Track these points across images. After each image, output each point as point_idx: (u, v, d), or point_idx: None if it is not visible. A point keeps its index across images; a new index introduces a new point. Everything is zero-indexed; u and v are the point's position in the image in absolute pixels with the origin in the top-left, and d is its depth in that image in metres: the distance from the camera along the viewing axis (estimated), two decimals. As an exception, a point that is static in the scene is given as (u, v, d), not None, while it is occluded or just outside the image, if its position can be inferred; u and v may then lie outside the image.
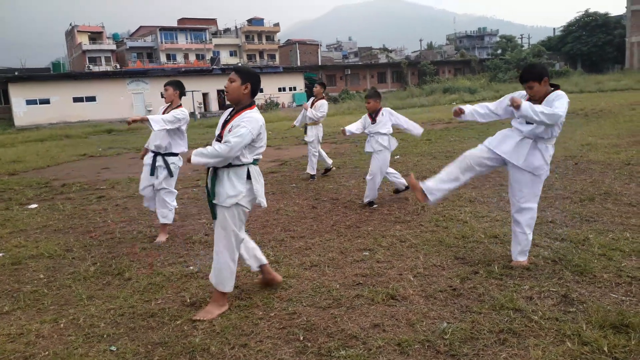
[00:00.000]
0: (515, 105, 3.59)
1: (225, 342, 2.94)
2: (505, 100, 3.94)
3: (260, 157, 3.42)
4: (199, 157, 3.20)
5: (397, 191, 6.78)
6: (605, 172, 7.35)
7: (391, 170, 6.49)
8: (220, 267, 3.35)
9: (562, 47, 67.85)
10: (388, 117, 6.27)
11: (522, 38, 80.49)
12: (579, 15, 67.68)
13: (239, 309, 3.40)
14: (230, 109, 3.45)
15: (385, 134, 6.24)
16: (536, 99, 3.74)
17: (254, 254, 3.64)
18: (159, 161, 5.27)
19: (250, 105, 3.37)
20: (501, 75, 56.04)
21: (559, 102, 3.60)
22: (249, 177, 3.31)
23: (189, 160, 3.24)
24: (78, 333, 3.18)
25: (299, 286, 3.74)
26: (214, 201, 3.33)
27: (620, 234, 4.50)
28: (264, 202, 3.39)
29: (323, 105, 8.43)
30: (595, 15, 65.81)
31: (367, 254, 4.42)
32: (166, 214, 5.29)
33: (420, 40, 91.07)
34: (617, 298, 3.24)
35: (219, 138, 3.32)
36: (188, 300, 3.60)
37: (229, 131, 3.25)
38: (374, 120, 6.26)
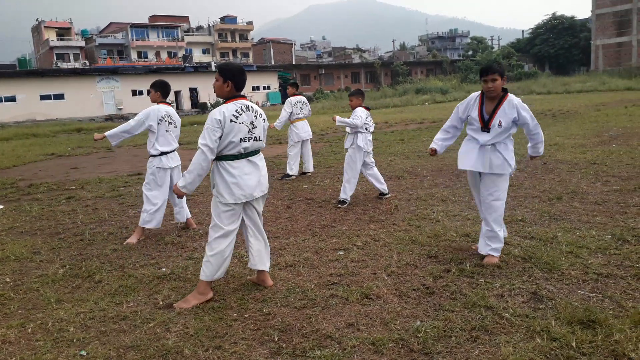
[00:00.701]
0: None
1: (199, 344, 2.91)
2: (458, 111, 4.16)
3: (239, 151, 3.39)
4: (183, 183, 3.39)
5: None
6: (572, 172, 7.55)
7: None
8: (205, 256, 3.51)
9: (531, 49, 69.45)
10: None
11: (492, 40, 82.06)
12: (547, 18, 69.48)
13: (212, 310, 3.36)
14: None
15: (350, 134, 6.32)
16: (494, 95, 3.90)
17: (260, 258, 3.72)
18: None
19: (232, 98, 3.44)
20: (472, 76, 57.06)
21: (528, 113, 3.95)
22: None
23: (179, 193, 3.44)
24: (46, 338, 3.10)
25: (274, 287, 3.73)
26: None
27: (587, 231, 4.64)
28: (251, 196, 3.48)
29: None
30: (562, 18, 67.65)
31: (341, 253, 4.44)
32: (143, 216, 5.21)
33: (393, 41, 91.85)
34: (584, 294, 3.33)
35: None
36: (161, 303, 3.55)
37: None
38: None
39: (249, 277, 3.97)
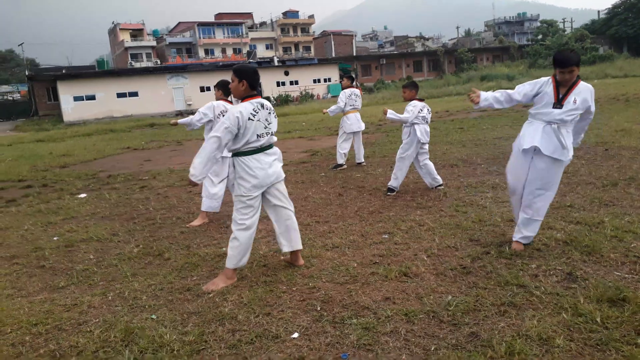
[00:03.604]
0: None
1: (251, 311, 3.29)
2: (524, 86, 4.06)
3: (256, 146, 3.68)
4: (193, 171, 3.64)
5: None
6: (635, 158, 7.33)
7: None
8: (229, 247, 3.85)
9: (607, 31, 65.39)
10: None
11: (564, 22, 77.82)
12: (626, -4, 64.95)
13: (264, 284, 3.75)
14: None
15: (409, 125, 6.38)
16: (567, 85, 3.84)
17: (290, 238, 4.01)
18: None
19: (247, 97, 3.73)
20: (541, 61, 54.58)
21: (592, 106, 3.92)
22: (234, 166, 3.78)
23: (191, 183, 3.72)
24: (124, 304, 3.60)
25: (320, 265, 4.06)
26: None
27: (637, 217, 4.61)
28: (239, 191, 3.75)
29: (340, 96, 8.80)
30: (643, -5, 63.00)
31: (386, 236, 4.70)
32: (204, 201, 5.74)
33: (457, 28, 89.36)
34: (619, 276, 3.40)
35: None
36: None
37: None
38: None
39: (282, 257, 4.31)
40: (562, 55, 3.81)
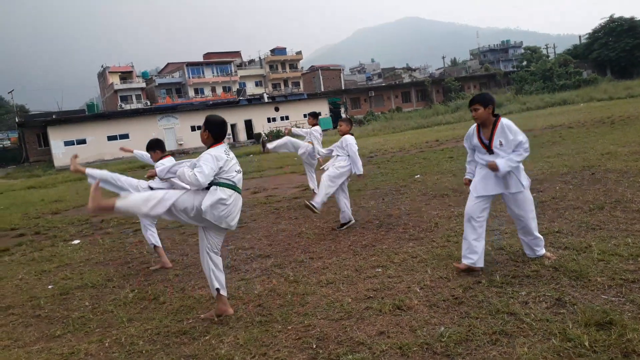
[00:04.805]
0: (493, 169, 4.18)
1: (248, 352, 3.33)
2: (465, 145, 4.58)
3: (234, 180, 3.90)
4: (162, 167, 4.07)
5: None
6: (620, 181, 7.48)
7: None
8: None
9: (589, 55, 67.10)
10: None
11: (547, 48, 79.85)
12: (604, 21, 67.04)
13: (260, 324, 3.79)
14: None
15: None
16: (480, 122, 4.31)
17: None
18: None
19: (212, 145, 3.96)
20: (527, 87, 55.65)
21: (521, 136, 4.19)
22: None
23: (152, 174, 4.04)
24: (121, 350, 3.62)
25: (315, 302, 4.11)
26: None
27: (622, 239, 4.71)
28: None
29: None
30: (621, 20, 65.07)
31: (379, 270, 4.76)
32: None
33: (443, 57, 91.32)
34: (607, 299, 3.48)
35: None
36: (216, 319, 4.01)
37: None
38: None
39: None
40: (473, 95, 4.44)
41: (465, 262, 4.37)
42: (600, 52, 65.89)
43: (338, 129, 7.05)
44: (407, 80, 72.87)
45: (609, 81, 51.70)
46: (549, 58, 68.79)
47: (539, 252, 4.48)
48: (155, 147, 5.78)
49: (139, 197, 3.88)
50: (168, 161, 5.23)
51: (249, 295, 4.46)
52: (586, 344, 2.87)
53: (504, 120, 4.26)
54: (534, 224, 4.41)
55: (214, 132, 3.98)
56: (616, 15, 66.36)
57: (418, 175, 10.65)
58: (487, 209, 4.44)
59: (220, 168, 3.82)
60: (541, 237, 4.49)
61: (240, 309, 4.13)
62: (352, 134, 6.89)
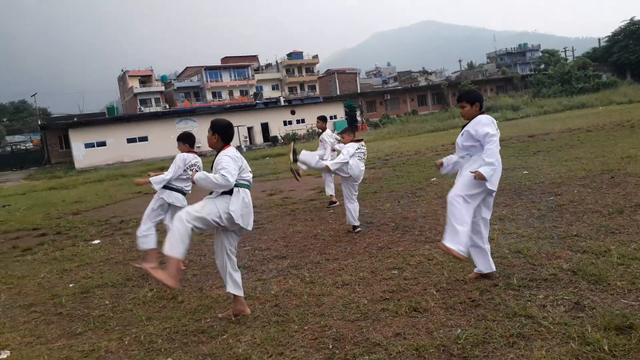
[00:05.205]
0: (482, 179, 4.05)
1: (265, 351, 3.36)
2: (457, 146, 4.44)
3: (249, 180, 4.02)
4: (198, 177, 3.88)
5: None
6: (640, 184, 7.37)
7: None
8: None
9: (609, 58, 66.17)
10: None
11: (565, 51, 78.87)
12: (624, 24, 66.02)
13: (277, 323, 3.82)
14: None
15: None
16: (466, 118, 4.32)
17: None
18: None
19: (222, 147, 4.03)
20: (545, 90, 55.05)
21: (488, 128, 4.07)
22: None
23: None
24: (140, 348, 3.69)
25: (332, 303, 4.13)
26: None
27: (643, 244, 4.64)
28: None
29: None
30: (641, 22, 64.04)
31: (395, 272, 4.76)
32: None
33: (460, 61, 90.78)
34: (626, 303, 3.44)
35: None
36: (233, 318, 4.05)
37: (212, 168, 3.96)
38: None
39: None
40: (460, 91, 4.39)
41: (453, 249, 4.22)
42: (620, 55, 64.92)
43: (341, 142, 7.02)
44: (423, 83, 72.56)
45: (629, 84, 50.94)
46: (568, 61, 68.00)
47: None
48: (186, 140, 6.08)
49: (177, 234, 3.72)
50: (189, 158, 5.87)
51: (266, 296, 4.50)
52: (605, 348, 2.84)
53: (482, 116, 4.22)
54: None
55: (223, 135, 4.05)
56: (637, 18, 65.32)
57: (434, 178, 10.60)
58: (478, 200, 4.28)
59: (240, 167, 3.90)
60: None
61: (257, 308, 4.17)
62: (357, 140, 6.79)
